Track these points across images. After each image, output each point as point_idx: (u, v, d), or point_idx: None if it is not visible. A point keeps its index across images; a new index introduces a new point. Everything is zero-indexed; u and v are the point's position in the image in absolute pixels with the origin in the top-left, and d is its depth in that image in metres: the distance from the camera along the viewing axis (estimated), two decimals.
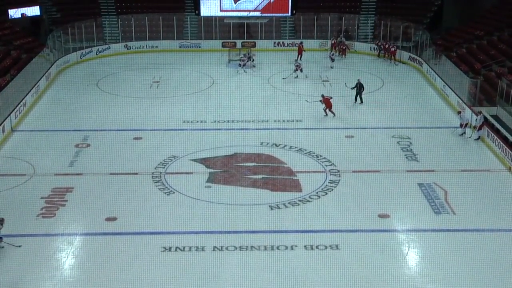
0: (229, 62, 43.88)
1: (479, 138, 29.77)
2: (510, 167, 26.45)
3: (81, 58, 44.46)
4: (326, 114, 32.30)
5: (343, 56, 45.50)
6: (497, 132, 29.36)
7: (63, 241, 21.09)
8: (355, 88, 35.25)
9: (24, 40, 43.08)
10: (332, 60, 42.90)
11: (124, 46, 46.99)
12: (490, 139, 28.91)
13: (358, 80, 35.50)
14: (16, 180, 25.32)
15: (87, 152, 28.31)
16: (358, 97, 35.14)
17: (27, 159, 27.23)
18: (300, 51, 43.70)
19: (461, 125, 30.50)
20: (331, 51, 44.98)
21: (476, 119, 29.99)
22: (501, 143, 27.77)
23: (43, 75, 37.78)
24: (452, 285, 18.79)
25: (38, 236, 21.35)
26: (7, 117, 30.35)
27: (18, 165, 26.79)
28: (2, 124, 29.45)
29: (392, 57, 44.08)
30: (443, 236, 21.63)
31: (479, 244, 21.02)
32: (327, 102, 32.18)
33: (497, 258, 20.17)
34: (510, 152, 26.66)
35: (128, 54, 46.34)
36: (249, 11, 40.39)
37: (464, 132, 30.29)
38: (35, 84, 35.81)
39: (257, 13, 40.78)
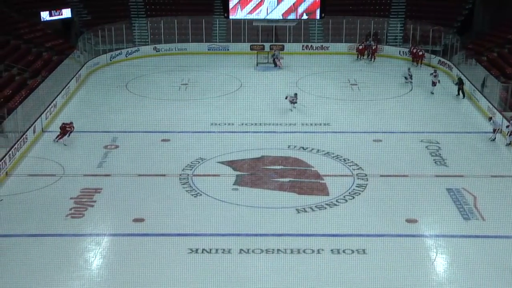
0: (257, 65, 43.93)
1: (510, 143, 29.40)
2: None
3: (110, 60, 44.84)
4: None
5: (373, 59, 45.27)
6: None
7: (91, 242, 21.29)
8: (457, 84, 37.12)
9: (55, 42, 43.61)
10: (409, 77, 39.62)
11: (153, 49, 47.29)
12: None
13: (459, 77, 37.80)
14: (46, 180, 25.64)
15: (116, 154, 28.54)
16: (460, 92, 36.71)
17: (57, 160, 27.55)
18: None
19: (494, 131, 30.15)
20: (358, 57, 45.28)
21: (507, 125, 29.62)
22: None
23: (73, 77, 38.18)
24: None
25: (67, 236, 21.58)
26: (38, 118, 30.72)
27: (48, 165, 27.12)
28: (33, 125, 29.82)
29: (420, 61, 43.79)
30: (472, 242, 21.38)
31: (508, 251, 20.73)
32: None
33: None
34: None
35: (157, 56, 46.63)
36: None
37: (495, 138, 29.96)
38: (66, 86, 36.21)
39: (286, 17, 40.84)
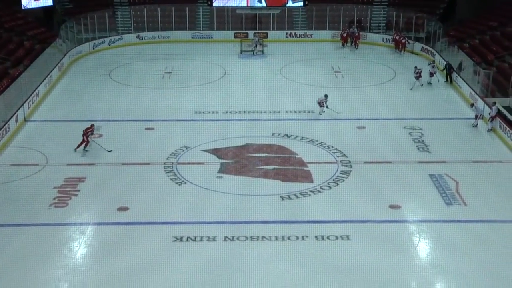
0: (241, 53, 43.88)
1: (491, 129, 29.64)
2: None
3: (93, 49, 44.59)
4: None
5: (356, 46, 45.35)
6: (509, 123, 29.17)
7: (76, 231, 21.23)
8: (445, 69, 37.32)
9: (37, 31, 43.24)
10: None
11: (137, 37, 47.07)
12: (502, 130, 28.76)
13: (448, 61, 37.61)
14: (29, 170, 25.49)
15: (100, 142, 28.37)
16: (449, 78, 37.12)
17: (40, 149, 27.40)
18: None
19: (476, 117, 30.37)
20: (342, 44, 45.17)
21: (489, 112, 29.84)
22: None
23: (56, 66, 37.94)
24: (462, 276, 18.77)
25: (50, 226, 21.49)
26: (20, 107, 30.51)
27: (31, 155, 26.96)
28: (15, 114, 29.62)
29: (403, 48, 43.95)
30: (454, 227, 21.58)
31: (490, 235, 20.97)
32: None
33: (508, 249, 20.11)
34: None
35: (141, 44, 46.42)
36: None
37: (477, 124, 30.18)
38: (48, 75, 35.98)
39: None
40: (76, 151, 26.98)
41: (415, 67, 36.50)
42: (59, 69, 38.53)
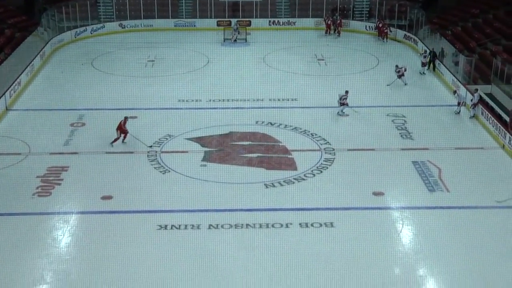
0: (224, 41, 43.76)
1: (473, 116, 29.84)
2: (503, 145, 26.54)
3: (75, 37, 44.25)
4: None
5: (338, 34, 45.38)
6: (491, 110, 29.42)
7: (59, 220, 21.15)
8: (429, 57, 37.04)
9: (18, 19, 42.74)
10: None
11: (119, 25, 46.76)
12: (484, 117, 28.99)
13: (432, 49, 37.41)
14: (12, 159, 25.31)
15: (83, 131, 28.28)
16: (432, 65, 36.99)
17: (22, 138, 27.21)
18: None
19: (458, 104, 30.56)
20: (326, 32, 45.11)
21: (472, 98, 30.04)
22: (495, 121, 27.85)
23: (38, 54, 37.62)
24: (445, 261, 18.94)
25: (34, 215, 21.38)
26: (2, 96, 30.25)
27: (13, 144, 26.77)
28: None
29: (386, 36, 44.05)
30: (437, 213, 21.76)
31: (472, 221, 21.19)
32: None
33: (490, 234, 20.32)
34: (504, 130, 26.75)
35: (123, 33, 46.13)
36: None
37: (460, 111, 30.38)
38: (30, 63, 35.67)
39: None
40: (112, 145, 26.46)
41: (396, 66, 34.70)
42: (41, 57, 38.21)
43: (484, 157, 26.06)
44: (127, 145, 26.56)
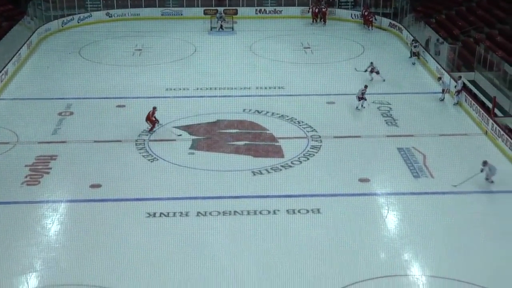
0: (211, 30, 43.62)
1: (457, 103, 30.01)
2: (486, 131, 26.73)
3: (62, 26, 43.91)
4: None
5: (324, 23, 45.35)
6: (474, 97, 29.61)
7: (48, 208, 21.11)
8: (411, 45, 37.24)
9: (4, 8, 42.29)
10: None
11: (106, 14, 46.42)
12: (468, 104, 29.16)
13: (414, 37, 37.55)
14: (0, 149, 25.18)
15: (71, 120, 28.16)
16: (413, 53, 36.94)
17: (10, 128, 27.06)
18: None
19: (443, 91, 30.70)
20: (313, 21, 45.07)
21: (455, 85, 30.20)
22: (478, 107, 28.04)
23: (24, 43, 37.31)
24: (430, 246, 19.11)
25: (23, 204, 21.34)
26: None
27: (1, 133, 26.61)
28: None
29: (371, 24, 44.07)
30: (422, 199, 21.93)
31: (456, 205, 21.38)
32: None
33: (474, 219, 20.54)
34: (487, 116, 26.95)
35: (110, 22, 45.82)
36: None
37: (444, 98, 30.53)
38: (16, 53, 35.38)
39: None
40: (150, 132, 26.39)
41: (371, 63, 33.27)
42: (28, 47, 37.91)
43: (468, 143, 26.25)
44: (116, 133, 26.48)
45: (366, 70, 33.28)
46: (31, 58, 37.51)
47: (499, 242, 19.28)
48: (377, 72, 32.89)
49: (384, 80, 32.87)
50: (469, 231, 19.87)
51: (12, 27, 37.84)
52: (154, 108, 26.69)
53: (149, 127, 26.55)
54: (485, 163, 22.31)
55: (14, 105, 30.10)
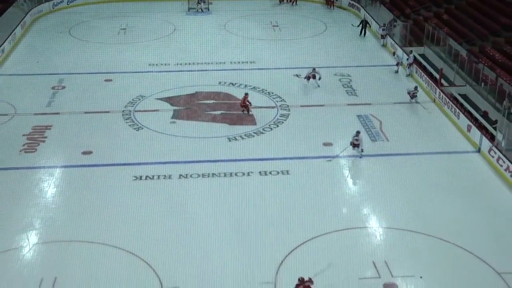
0: (188, 10, 42.92)
1: (409, 74, 30.08)
2: (434, 99, 26.88)
3: (53, 8, 42.80)
4: None
5: (295, 3, 44.83)
6: (424, 69, 29.70)
7: (45, 173, 20.83)
8: (360, 25, 36.33)
9: None
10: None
11: None
12: (418, 75, 29.25)
13: (364, 17, 36.85)
14: None
15: (63, 94, 27.66)
16: (363, 31, 36.37)
17: (8, 101, 26.52)
18: None
19: (397, 64, 30.71)
20: (280, 1, 44.41)
21: (407, 58, 30.24)
22: (427, 78, 28.16)
23: (19, 24, 36.34)
24: (385, 201, 19.27)
25: (21, 169, 21.01)
26: None
27: (0, 106, 26.07)
28: None
29: (332, 4, 43.74)
30: (379, 160, 22.02)
31: (409, 165, 21.55)
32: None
33: (425, 176, 20.75)
34: (434, 85, 27.07)
35: (97, 3, 44.72)
36: None
37: (398, 70, 30.57)
38: (12, 32, 34.47)
39: None
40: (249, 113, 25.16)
41: (313, 69, 28.47)
42: (22, 27, 36.93)
43: (418, 110, 26.36)
44: (104, 105, 26.09)
45: (310, 76, 28.46)
46: (25, 37, 36.58)
47: (447, 196, 19.53)
48: (314, 77, 28.22)
49: (319, 86, 28.23)
50: (420, 187, 20.07)
51: (7, 9, 36.82)
52: (246, 94, 25.49)
53: (247, 111, 25.24)
54: (357, 133, 21.62)
55: (11, 80, 29.42)
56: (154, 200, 19.14)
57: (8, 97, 27.01)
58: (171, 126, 24.45)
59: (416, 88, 26.84)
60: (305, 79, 28.38)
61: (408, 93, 26.88)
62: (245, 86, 28.38)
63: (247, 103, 25.28)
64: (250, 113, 25.22)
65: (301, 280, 14.71)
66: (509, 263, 16.32)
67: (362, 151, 21.81)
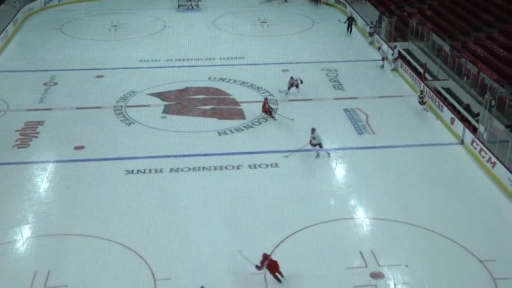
0: (178, 7, 42.71)
1: (394, 69, 30.12)
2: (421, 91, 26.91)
3: (44, 5, 42.41)
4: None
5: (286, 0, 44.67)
6: (408, 63, 29.76)
7: (38, 168, 20.71)
8: (347, 22, 35.92)
9: None
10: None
11: None
12: (403, 70, 29.30)
13: (351, 14, 36.82)
14: None
15: (55, 90, 27.47)
16: (349, 28, 35.92)
17: (0, 97, 26.28)
18: None
19: (382, 59, 30.74)
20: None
21: (392, 53, 30.28)
22: (412, 72, 28.23)
23: (10, 21, 36.00)
24: (372, 192, 19.35)
25: (15, 164, 20.90)
26: None
27: None
28: None
29: (318, 1, 43.63)
30: (365, 153, 22.07)
31: (395, 157, 21.62)
32: None
33: (410, 168, 20.82)
34: (419, 80, 27.14)
35: (88, 1, 44.34)
36: None
37: (383, 65, 30.60)
38: (4, 29, 34.14)
39: None
40: (275, 119, 24.38)
41: (291, 77, 26.85)
42: (14, 24, 36.59)
43: (403, 103, 26.41)
44: (96, 101, 25.94)
45: (290, 85, 26.88)
46: (17, 34, 36.25)
47: (431, 187, 19.62)
48: (297, 86, 26.82)
49: (299, 91, 26.96)
50: (405, 179, 20.13)
51: None
52: (266, 99, 25.04)
53: (270, 115, 24.47)
54: (313, 130, 21.33)
55: (4, 77, 29.17)
56: (146, 194, 19.07)
57: (1, 93, 26.75)
58: (162, 121, 24.34)
59: (422, 92, 25.72)
60: (288, 90, 26.75)
61: (419, 102, 25.38)
62: (235, 81, 28.32)
63: (268, 107, 24.63)
64: (274, 119, 24.24)
65: (265, 256, 15.10)
66: (490, 251, 16.43)
67: (328, 154, 21.52)
